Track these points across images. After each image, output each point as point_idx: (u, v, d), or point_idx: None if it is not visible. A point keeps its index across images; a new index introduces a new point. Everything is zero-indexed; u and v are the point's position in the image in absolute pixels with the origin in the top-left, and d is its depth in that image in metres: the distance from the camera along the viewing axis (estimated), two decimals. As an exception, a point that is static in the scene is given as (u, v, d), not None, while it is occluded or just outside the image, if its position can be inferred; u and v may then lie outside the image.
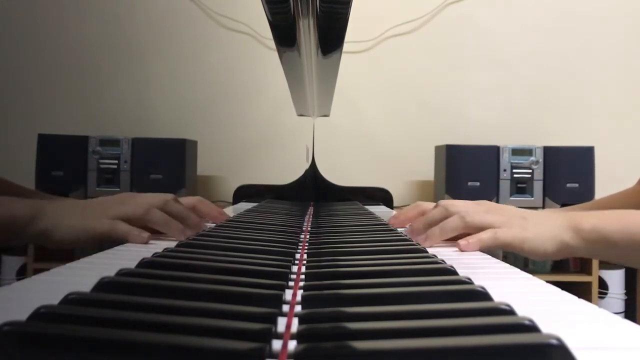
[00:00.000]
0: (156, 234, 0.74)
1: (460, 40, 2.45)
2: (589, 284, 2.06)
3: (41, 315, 0.29)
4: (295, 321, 0.33)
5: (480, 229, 0.71)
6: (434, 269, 0.47)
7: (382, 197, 1.58)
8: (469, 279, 0.41)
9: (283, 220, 0.90)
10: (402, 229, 0.81)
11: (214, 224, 0.81)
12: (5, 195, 0.73)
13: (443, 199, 1.73)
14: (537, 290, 0.45)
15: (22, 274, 2.12)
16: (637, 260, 0.71)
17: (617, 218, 0.69)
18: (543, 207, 2.05)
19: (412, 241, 0.65)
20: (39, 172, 2.05)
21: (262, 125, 2.43)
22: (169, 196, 0.77)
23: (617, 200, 0.96)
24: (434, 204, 0.79)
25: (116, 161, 2.08)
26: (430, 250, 0.57)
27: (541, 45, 2.44)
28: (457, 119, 2.44)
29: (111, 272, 0.39)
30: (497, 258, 0.62)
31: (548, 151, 2.11)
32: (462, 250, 0.71)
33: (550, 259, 0.71)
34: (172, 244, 0.59)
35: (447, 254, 0.59)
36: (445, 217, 0.73)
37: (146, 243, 0.71)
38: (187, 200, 0.85)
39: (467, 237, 0.71)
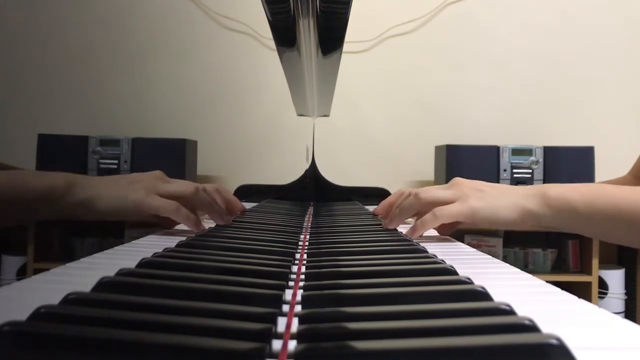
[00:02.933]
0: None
1: (460, 40, 2.45)
2: (589, 284, 2.06)
3: (41, 315, 0.29)
4: (295, 321, 0.33)
5: (434, 205, 0.73)
6: (434, 269, 0.47)
7: (382, 197, 1.57)
8: (469, 278, 0.41)
9: (283, 220, 0.90)
10: (402, 230, 0.82)
11: (214, 225, 0.80)
12: None
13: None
14: (537, 290, 0.45)
15: (22, 274, 2.12)
16: (598, 232, 0.71)
17: (584, 189, 0.70)
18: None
19: (412, 241, 0.65)
20: (39, 172, 2.05)
21: (262, 125, 2.43)
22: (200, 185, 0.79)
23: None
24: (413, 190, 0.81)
25: (116, 161, 2.08)
26: (430, 250, 0.57)
27: (541, 45, 2.44)
28: (457, 119, 2.44)
29: (111, 272, 0.39)
30: (497, 258, 0.62)
31: (548, 151, 2.11)
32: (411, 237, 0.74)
33: (513, 227, 0.72)
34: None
35: (446, 254, 0.59)
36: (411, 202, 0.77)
37: (198, 229, 0.72)
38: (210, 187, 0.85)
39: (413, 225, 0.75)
